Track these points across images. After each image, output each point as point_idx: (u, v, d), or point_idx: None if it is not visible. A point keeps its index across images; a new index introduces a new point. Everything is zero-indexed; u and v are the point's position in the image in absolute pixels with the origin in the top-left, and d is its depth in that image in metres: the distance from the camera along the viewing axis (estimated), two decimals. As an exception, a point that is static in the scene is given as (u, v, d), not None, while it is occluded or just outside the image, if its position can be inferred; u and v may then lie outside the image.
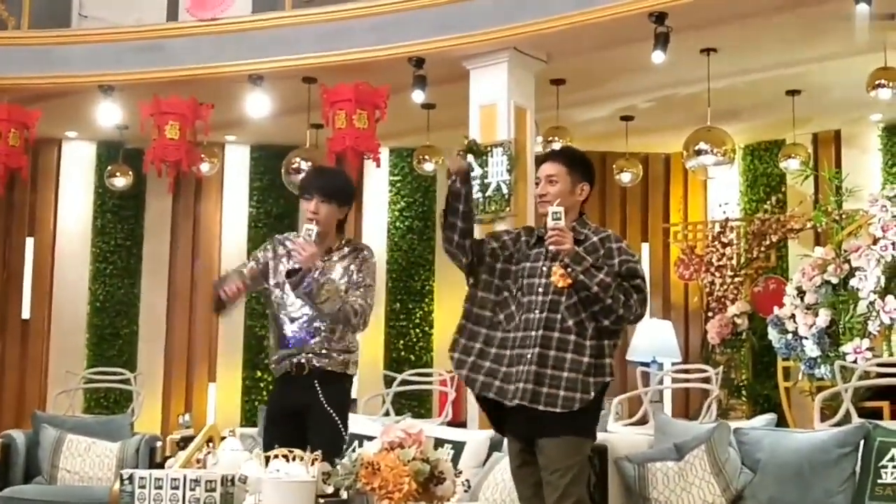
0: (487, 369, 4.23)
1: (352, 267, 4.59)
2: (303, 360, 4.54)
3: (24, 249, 10.04)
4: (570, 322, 4.15)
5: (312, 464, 3.66)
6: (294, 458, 3.69)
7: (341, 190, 4.72)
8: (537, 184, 4.41)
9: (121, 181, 9.60)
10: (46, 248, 10.09)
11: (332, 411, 4.48)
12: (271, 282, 4.68)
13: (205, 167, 9.41)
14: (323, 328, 4.54)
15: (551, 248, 4.14)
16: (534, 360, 4.13)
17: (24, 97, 8.54)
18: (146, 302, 10.13)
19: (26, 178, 9.14)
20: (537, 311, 4.19)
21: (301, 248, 4.41)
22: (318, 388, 4.50)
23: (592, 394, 4.13)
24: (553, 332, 4.15)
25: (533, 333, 4.17)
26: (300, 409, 4.53)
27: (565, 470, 4.12)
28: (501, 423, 4.39)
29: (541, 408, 4.09)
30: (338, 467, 3.60)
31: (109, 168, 9.68)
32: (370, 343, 9.36)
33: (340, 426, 4.48)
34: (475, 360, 4.25)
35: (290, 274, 4.45)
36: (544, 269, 4.23)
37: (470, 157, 4.48)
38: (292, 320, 4.59)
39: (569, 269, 4.11)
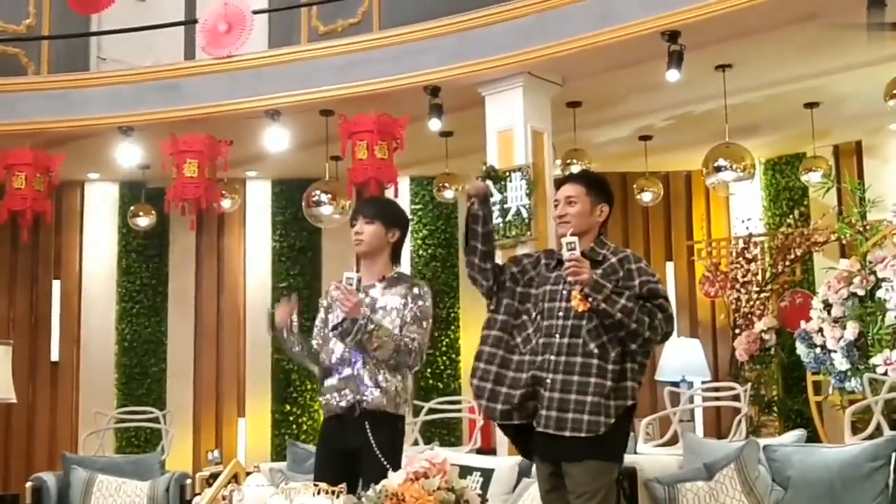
0: (504, 396, 4.23)
1: (407, 302, 4.51)
2: (353, 401, 4.46)
3: (51, 292, 10.12)
4: (592, 346, 4.14)
5: (337, 497, 3.64)
6: (319, 492, 3.68)
7: (384, 210, 4.70)
8: (556, 206, 4.42)
9: (144, 220, 9.66)
10: (73, 290, 10.16)
11: (383, 458, 4.37)
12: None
13: (226, 203, 9.46)
14: (373, 367, 4.46)
15: (569, 279, 4.13)
16: (557, 387, 4.12)
17: (45, 141, 8.62)
18: (173, 339, 10.18)
19: (51, 222, 9.21)
20: (558, 336, 4.18)
21: (344, 297, 4.36)
22: (370, 431, 4.42)
23: (614, 418, 4.10)
24: (576, 358, 4.14)
25: (553, 358, 4.16)
26: (352, 450, 4.46)
27: (592, 493, 4.10)
28: (528, 445, 4.38)
29: (567, 433, 4.08)
30: (363, 499, 3.58)
31: (132, 208, 9.75)
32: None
33: (390, 470, 4.38)
34: (492, 388, 4.25)
35: (336, 327, 4.42)
36: (564, 292, 4.23)
37: (489, 183, 4.51)
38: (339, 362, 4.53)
39: (590, 299, 4.09)
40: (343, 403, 4.48)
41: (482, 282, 4.40)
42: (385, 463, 4.34)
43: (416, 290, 4.55)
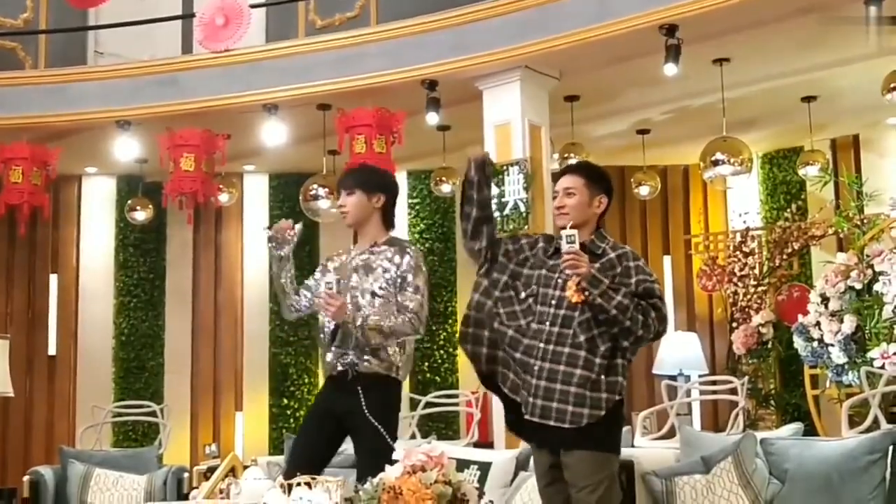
0: (501, 359, 4.23)
1: (398, 265, 4.53)
2: (346, 364, 4.49)
3: (49, 286, 10.12)
4: (582, 338, 4.13)
5: (335, 490, 3.64)
6: (316, 485, 3.68)
7: (363, 178, 4.72)
8: (555, 197, 4.42)
9: (141, 215, 9.66)
10: (70, 284, 10.16)
11: (373, 419, 4.42)
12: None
13: (223, 197, 9.47)
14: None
15: (567, 272, 4.12)
16: (544, 375, 4.12)
17: (42, 135, 8.62)
18: (171, 334, 10.18)
19: (48, 216, 9.21)
20: (548, 324, 4.17)
21: (326, 302, 4.41)
22: (362, 395, 4.45)
23: (604, 411, 4.10)
24: (564, 348, 4.13)
25: (542, 346, 4.15)
26: (340, 414, 4.51)
27: (595, 486, 4.08)
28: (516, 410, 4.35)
29: (552, 423, 4.09)
30: (360, 492, 3.58)
31: (130, 202, 9.75)
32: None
33: (384, 434, 4.41)
34: (489, 352, 4.24)
35: (332, 337, 4.49)
36: (559, 281, 4.21)
37: (488, 152, 4.51)
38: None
39: (586, 293, 4.08)
40: (339, 367, 4.52)
41: (473, 247, 4.34)
42: (377, 424, 4.40)
43: (402, 253, 4.57)
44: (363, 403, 4.44)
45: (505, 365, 4.24)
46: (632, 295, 4.12)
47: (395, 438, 4.46)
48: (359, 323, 4.41)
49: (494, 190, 7.38)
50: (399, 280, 4.52)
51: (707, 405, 9.39)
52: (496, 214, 7.40)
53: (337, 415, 4.53)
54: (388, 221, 4.69)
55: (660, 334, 4.22)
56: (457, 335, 9.65)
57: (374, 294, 4.53)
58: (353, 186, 4.64)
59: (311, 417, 4.74)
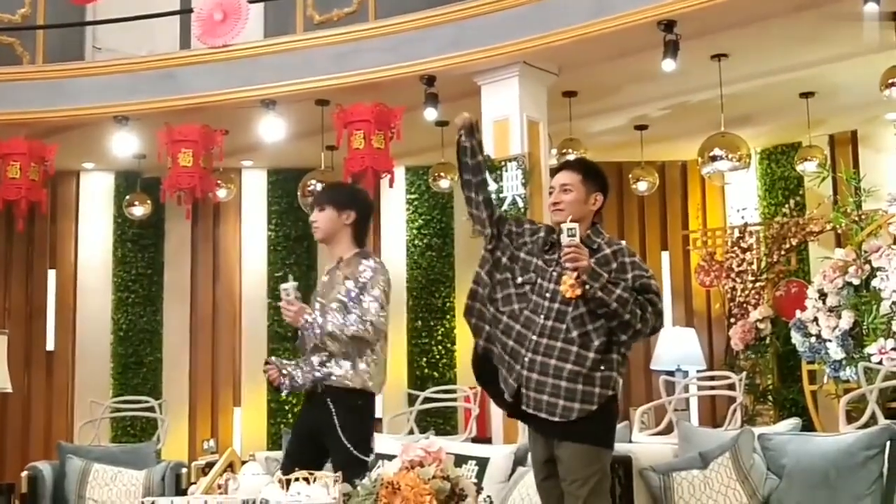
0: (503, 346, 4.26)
1: (356, 278, 4.58)
2: (314, 378, 4.57)
3: (47, 282, 10.12)
4: (574, 333, 4.14)
5: (333, 485, 3.65)
6: (315, 481, 3.68)
7: (334, 195, 4.81)
8: (551, 193, 4.42)
9: (139, 210, 9.66)
10: (68, 279, 10.16)
11: (342, 433, 4.46)
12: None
13: (221, 193, 9.46)
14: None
15: (567, 265, 4.13)
16: (536, 368, 4.15)
17: (40, 131, 8.61)
18: (169, 329, 10.18)
19: (46, 212, 9.19)
20: (542, 317, 4.19)
21: (284, 308, 4.52)
22: (332, 408, 4.51)
23: (595, 405, 4.12)
24: (556, 342, 4.15)
25: (535, 338, 4.18)
26: (316, 429, 4.56)
27: (584, 480, 4.11)
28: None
29: (542, 415, 4.11)
30: (358, 488, 3.59)
31: (128, 198, 9.75)
32: (393, 361, 9.33)
33: (353, 450, 4.43)
34: (491, 330, 4.28)
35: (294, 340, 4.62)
36: (554, 274, 4.22)
37: (471, 117, 4.54)
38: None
39: (587, 287, 4.08)
40: (310, 380, 4.59)
41: (481, 216, 4.39)
42: (345, 439, 4.43)
43: (365, 264, 4.62)
44: (333, 417, 4.49)
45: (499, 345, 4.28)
46: (630, 290, 4.13)
47: (369, 450, 4.50)
48: (317, 330, 4.46)
49: (493, 186, 7.39)
50: (360, 289, 4.56)
51: (705, 401, 9.39)
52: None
53: (313, 431, 4.59)
54: (358, 238, 4.75)
55: (656, 329, 4.25)
56: (454, 331, 9.77)
57: (336, 309, 4.56)
58: (324, 203, 4.74)
59: (294, 436, 4.82)
